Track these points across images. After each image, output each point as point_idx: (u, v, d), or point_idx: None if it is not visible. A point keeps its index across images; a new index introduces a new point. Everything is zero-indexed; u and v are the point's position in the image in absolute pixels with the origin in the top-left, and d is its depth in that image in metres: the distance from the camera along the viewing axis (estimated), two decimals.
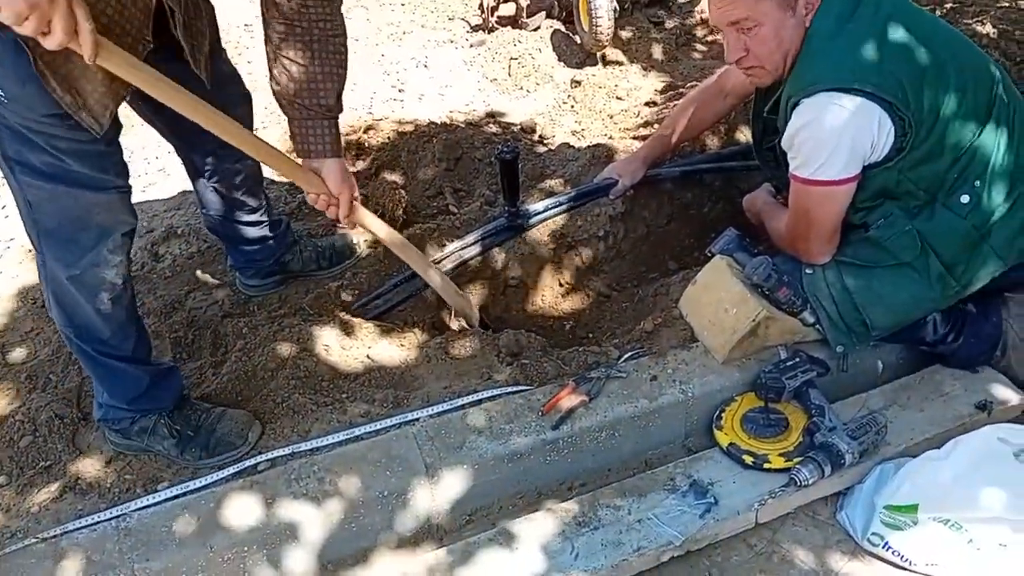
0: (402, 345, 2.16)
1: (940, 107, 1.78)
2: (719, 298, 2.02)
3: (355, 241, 2.50)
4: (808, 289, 1.96)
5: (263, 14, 1.75)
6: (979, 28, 3.48)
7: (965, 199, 1.85)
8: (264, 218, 2.26)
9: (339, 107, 1.84)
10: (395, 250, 2.13)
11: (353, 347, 2.12)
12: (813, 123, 1.75)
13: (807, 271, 1.96)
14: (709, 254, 2.11)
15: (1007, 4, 4.22)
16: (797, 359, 1.93)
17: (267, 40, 1.76)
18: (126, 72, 1.49)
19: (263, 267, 2.33)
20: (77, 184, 1.59)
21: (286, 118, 1.85)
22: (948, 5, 4.02)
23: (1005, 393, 1.98)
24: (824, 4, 1.78)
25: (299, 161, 1.87)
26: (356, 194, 1.92)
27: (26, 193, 1.61)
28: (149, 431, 1.89)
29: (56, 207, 1.62)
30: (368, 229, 2.08)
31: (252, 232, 2.24)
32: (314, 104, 1.79)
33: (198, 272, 2.49)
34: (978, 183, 1.84)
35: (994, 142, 1.85)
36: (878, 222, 1.90)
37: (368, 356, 2.10)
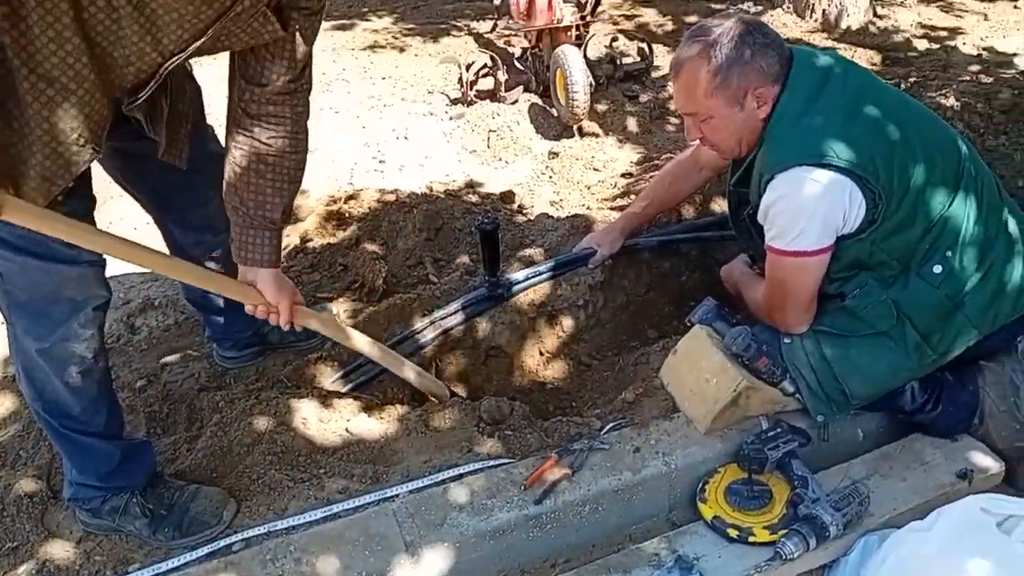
0: (381, 418, 2.13)
1: (910, 180, 1.82)
2: (700, 368, 2.02)
3: (335, 311, 2.49)
4: (787, 358, 1.97)
5: (227, 119, 1.75)
6: (943, 101, 3.60)
7: (938, 269, 1.88)
8: None
9: (284, 221, 1.83)
10: (349, 346, 2.11)
11: (331, 420, 2.09)
12: (787, 196, 1.79)
13: (786, 341, 1.98)
14: (689, 324, 2.12)
15: (968, 78, 4.39)
16: (779, 429, 1.93)
17: (226, 143, 1.76)
18: (37, 225, 1.48)
19: (240, 338, 2.31)
20: (48, 258, 1.57)
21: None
22: (912, 79, 4.17)
23: (985, 461, 1.98)
24: (791, 86, 1.83)
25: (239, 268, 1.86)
26: (298, 298, 1.90)
27: None
28: (120, 510, 1.83)
29: (27, 280, 1.60)
30: (316, 331, 2.06)
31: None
32: (258, 215, 1.77)
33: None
34: (949, 253, 1.88)
35: (964, 213, 1.90)
36: (853, 292, 1.92)
37: (347, 429, 2.07)
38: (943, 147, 1.92)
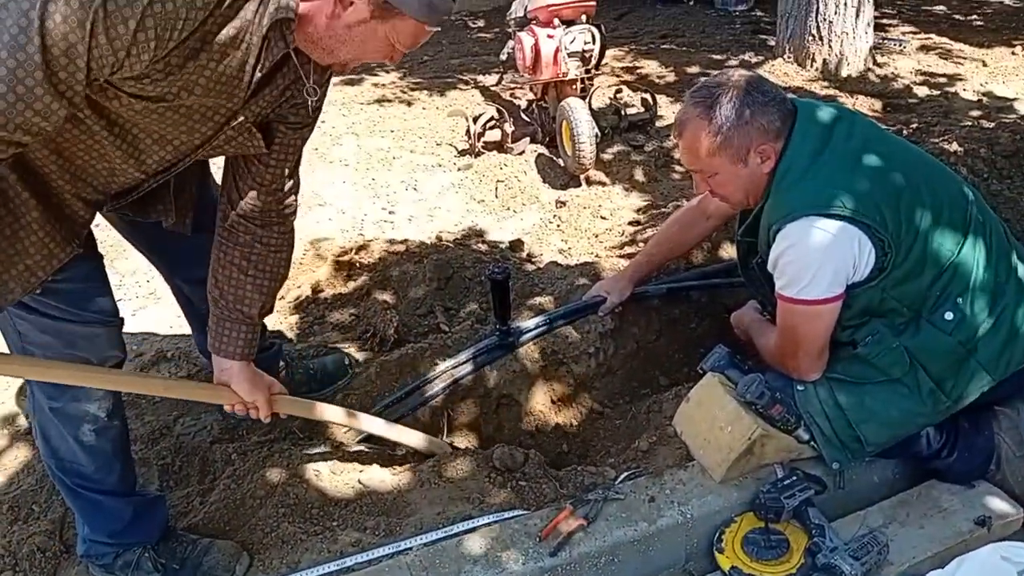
0: (394, 468, 2.12)
1: (917, 227, 1.84)
2: (714, 416, 2.02)
3: (347, 362, 2.50)
4: (801, 406, 1.97)
5: (217, 211, 1.78)
6: (945, 146, 3.64)
7: (949, 316, 1.88)
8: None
9: (262, 316, 1.84)
10: (338, 422, 2.11)
11: (344, 472, 2.08)
12: (796, 246, 1.80)
13: (799, 388, 1.98)
14: (701, 371, 2.12)
15: (969, 123, 4.45)
16: (794, 477, 1.92)
17: (216, 232, 1.79)
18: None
19: None
20: (59, 318, 1.60)
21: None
22: (914, 125, 4.22)
23: (1003, 507, 1.97)
24: (795, 139, 1.86)
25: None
26: (275, 389, 1.90)
27: (15, 323, 1.62)
28: (133, 565, 1.83)
29: (42, 339, 1.62)
30: (299, 416, 2.06)
31: None
32: (236, 309, 1.79)
33: None
34: (960, 300, 1.89)
35: (973, 259, 1.91)
36: (866, 339, 1.93)
37: (359, 481, 2.06)
38: (949, 194, 1.94)
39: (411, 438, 2.16)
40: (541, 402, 2.50)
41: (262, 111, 1.57)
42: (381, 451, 2.21)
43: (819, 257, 1.79)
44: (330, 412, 2.05)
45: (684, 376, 2.55)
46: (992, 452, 2.05)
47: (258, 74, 1.45)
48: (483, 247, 3.34)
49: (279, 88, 1.55)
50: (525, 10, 4.05)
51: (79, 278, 1.60)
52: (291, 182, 1.78)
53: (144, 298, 3.13)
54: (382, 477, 2.08)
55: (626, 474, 2.01)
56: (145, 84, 1.34)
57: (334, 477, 2.06)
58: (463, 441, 2.37)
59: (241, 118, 1.54)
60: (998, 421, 2.07)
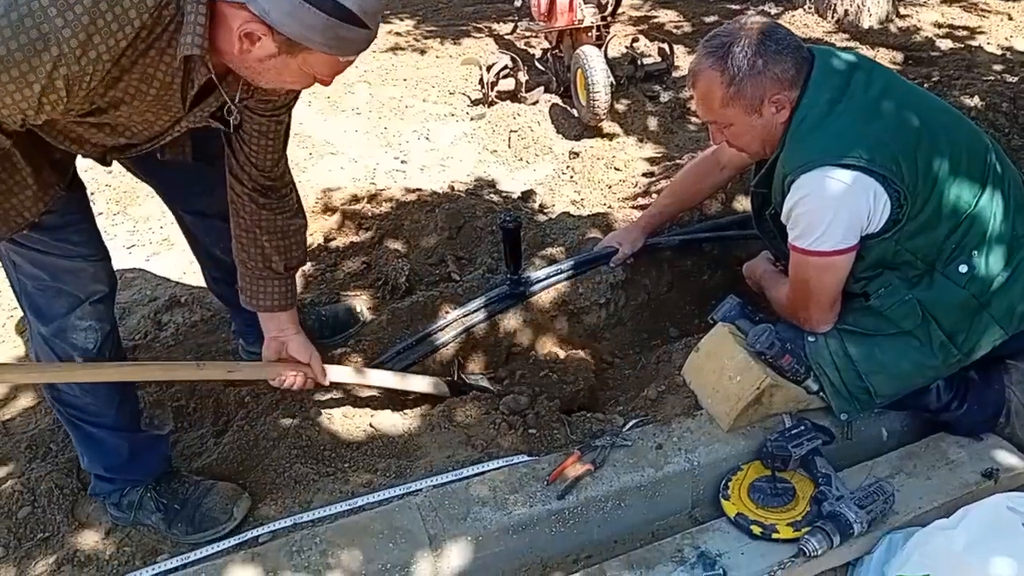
0: (405, 413, 2.15)
1: (934, 179, 1.82)
2: (723, 366, 2.02)
3: (358, 309, 2.51)
4: (811, 357, 1.97)
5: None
6: (967, 101, 3.58)
7: (963, 268, 1.87)
8: None
9: (290, 270, 1.89)
10: (368, 384, 2.15)
11: (355, 416, 2.11)
12: (810, 196, 1.78)
13: (810, 339, 1.97)
14: (711, 321, 2.12)
15: (992, 77, 4.36)
16: (802, 427, 1.93)
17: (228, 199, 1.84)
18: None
19: None
20: (45, 252, 1.64)
21: None
22: (935, 78, 4.14)
23: (1010, 460, 1.97)
24: (812, 88, 1.83)
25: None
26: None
27: (10, 255, 1.67)
28: (136, 504, 1.87)
29: (32, 271, 1.67)
30: (349, 383, 2.12)
31: None
32: (263, 267, 1.85)
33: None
34: (976, 252, 1.87)
35: (991, 212, 1.89)
36: (878, 291, 1.92)
37: (371, 424, 2.09)
38: (969, 146, 1.91)
39: (430, 385, 2.21)
40: (551, 351, 2.51)
41: (209, 113, 1.59)
42: (392, 398, 2.23)
43: (833, 207, 1.77)
44: (380, 377, 2.12)
45: (695, 327, 2.55)
46: (1002, 405, 2.05)
47: (191, 92, 1.48)
48: (495, 197, 3.33)
49: (228, 92, 1.56)
50: None
51: (61, 213, 1.63)
52: (280, 163, 1.80)
53: (158, 244, 3.15)
54: (393, 421, 2.11)
55: (634, 422, 2.02)
56: (71, 114, 1.39)
57: (346, 420, 2.09)
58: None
59: (185, 123, 1.57)
60: (1008, 374, 2.06)
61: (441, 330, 2.37)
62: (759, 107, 1.83)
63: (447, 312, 2.41)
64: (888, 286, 1.91)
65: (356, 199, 3.25)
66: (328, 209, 3.23)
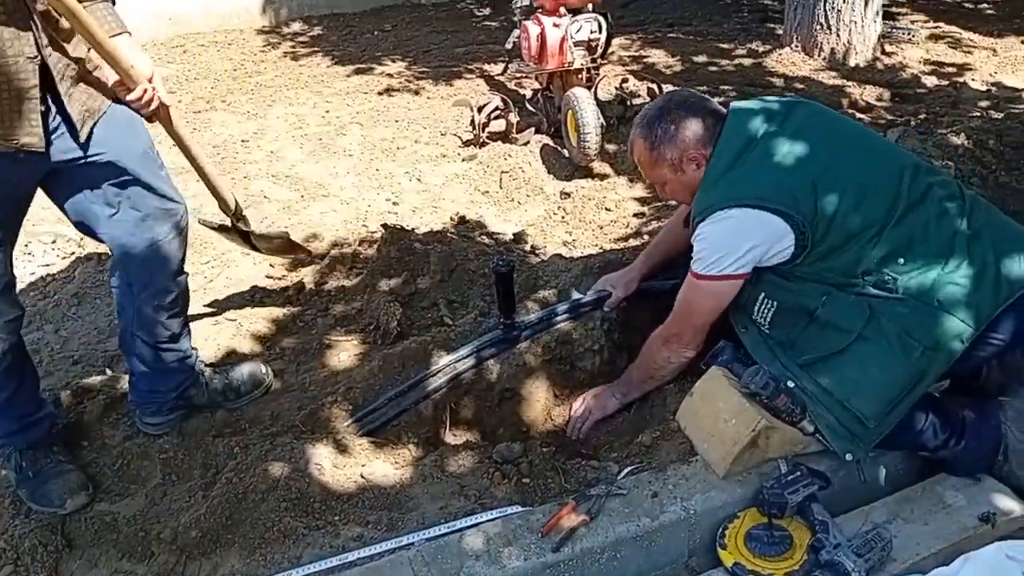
0: (396, 463, 2.12)
1: (836, 209, 1.95)
2: (717, 409, 2.01)
3: (263, 371, 2.44)
4: (796, 396, 1.96)
5: None
6: (953, 139, 3.61)
7: (889, 277, 1.95)
8: (183, 347, 2.27)
9: None
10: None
11: (346, 466, 2.08)
12: (708, 231, 2.00)
13: (789, 385, 1.97)
14: (705, 367, 2.11)
15: (978, 114, 4.41)
16: (798, 472, 1.91)
17: None
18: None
19: (165, 401, 2.25)
20: None
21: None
22: (922, 116, 4.19)
23: (1008, 504, 1.95)
24: (722, 143, 2.05)
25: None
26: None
27: None
28: (6, 457, 2.11)
29: None
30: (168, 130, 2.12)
31: (149, 363, 2.21)
32: None
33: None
34: (901, 260, 1.95)
35: (911, 228, 1.96)
36: (821, 300, 2.00)
37: (361, 475, 2.06)
38: (878, 172, 2.04)
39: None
40: (544, 396, 2.49)
41: None
42: (384, 443, 2.20)
43: (729, 240, 1.97)
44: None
45: (688, 371, 2.53)
46: (999, 441, 2.04)
47: None
48: (487, 239, 3.33)
49: None
50: None
51: None
52: None
53: None
54: (384, 471, 2.08)
55: (629, 469, 2.00)
56: None
57: (336, 471, 2.06)
58: (466, 436, 2.36)
59: None
60: (1004, 411, 2.06)
61: (433, 375, 2.35)
62: (680, 165, 2.11)
63: (439, 357, 2.40)
64: (828, 294, 1.99)
65: (348, 242, 3.25)
66: (319, 252, 3.23)
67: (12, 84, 1.68)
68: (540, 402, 2.50)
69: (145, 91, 1.90)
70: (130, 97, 1.89)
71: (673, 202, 2.43)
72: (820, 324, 1.99)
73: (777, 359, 2.03)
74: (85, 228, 2.03)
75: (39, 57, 1.71)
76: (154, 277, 2.08)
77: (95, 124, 1.89)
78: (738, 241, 1.97)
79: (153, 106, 1.95)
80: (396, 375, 2.38)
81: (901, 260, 1.94)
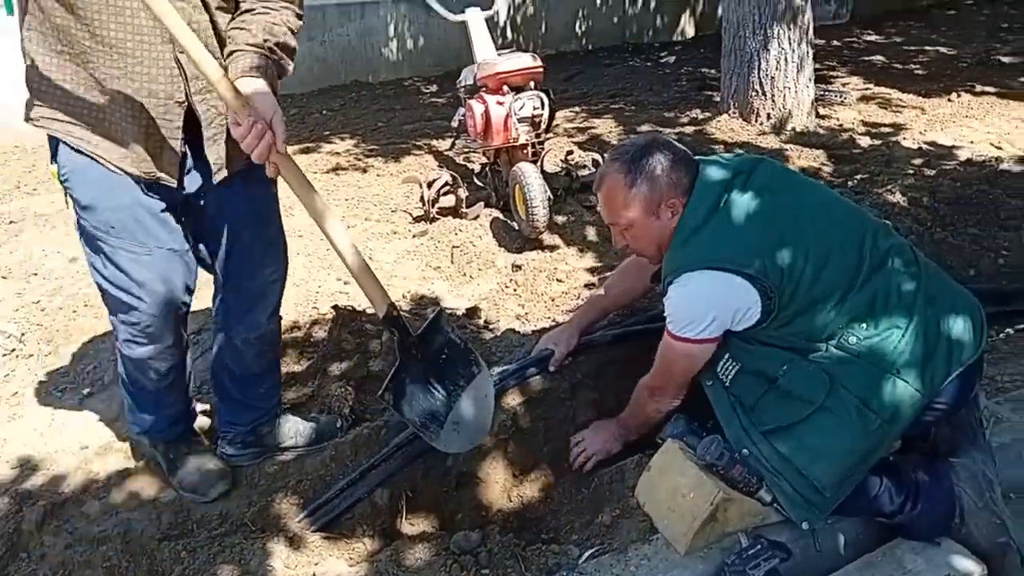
0: (351, 559, 2.05)
1: (801, 272, 1.94)
2: (675, 483, 2.00)
3: (338, 424, 2.53)
4: (752, 466, 1.96)
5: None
6: (889, 198, 3.73)
7: (853, 339, 1.95)
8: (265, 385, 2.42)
9: (264, 45, 1.86)
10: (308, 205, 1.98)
11: (298, 565, 2.01)
12: (679, 294, 1.99)
13: (743, 452, 1.97)
14: (660, 440, 2.11)
15: (912, 171, 4.56)
16: (759, 546, 1.89)
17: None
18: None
19: (238, 434, 2.40)
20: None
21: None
22: (859, 177, 4.32)
23: (967, 565, 1.95)
24: (693, 200, 2.02)
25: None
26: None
27: None
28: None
29: None
30: (291, 181, 1.92)
31: (232, 392, 2.39)
32: (241, 42, 1.85)
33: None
34: (864, 325, 1.95)
35: (874, 290, 1.97)
36: (783, 368, 1.99)
37: (314, 574, 1.99)
38: (841, 235, 2.04)
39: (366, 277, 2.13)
40: (503, 477, 2.45)
41: None
42: (338, 538, 2.14)
43: (699, 304, 1.97)
44: (324, 211, 1.95)
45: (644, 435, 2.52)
46: (954, 504, 2.04)
47: None
48: None
49: None
50: (474, 78, 4.09)
51: None
52: None
53: (91, 384, 3.05)
54: (338, 570, 2.01)
55: (590, 552, 1.97)
56: None
57: (288, 571, 1.99)
58: (423, 524, 2.31)
59: None
60: (956, 473, 2.07)
61: (386, 461, 2.30)
62: (656, 209, 2.03)
63: (391, 441, 2.35)
64: (791, 361, 1.99)
65: (298, 325, 3.21)
66: None
67: (159, 123, 1.86)
68: (499, 483, 2.46)
69: (252, 127, 1.74)
70: (236, 133, 1.80)
71: (618, 248, 2.29)
72: (781, 392, 1.99)
73: (737, 417, 2.03)
74: (200, 257, 2.19)
75: (187, 102, 1.88)
76: (251, 314, 2.26)
77: (232, 172, 2.00)
78: (707, 305, 1.97)
79: (259, 148, 1.77)
80: (349, 464, 2.33)
81: (863, 325, 1.95)
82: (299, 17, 2.01)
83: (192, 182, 2.02)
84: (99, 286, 2.09)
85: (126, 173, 1.91)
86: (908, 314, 1.97)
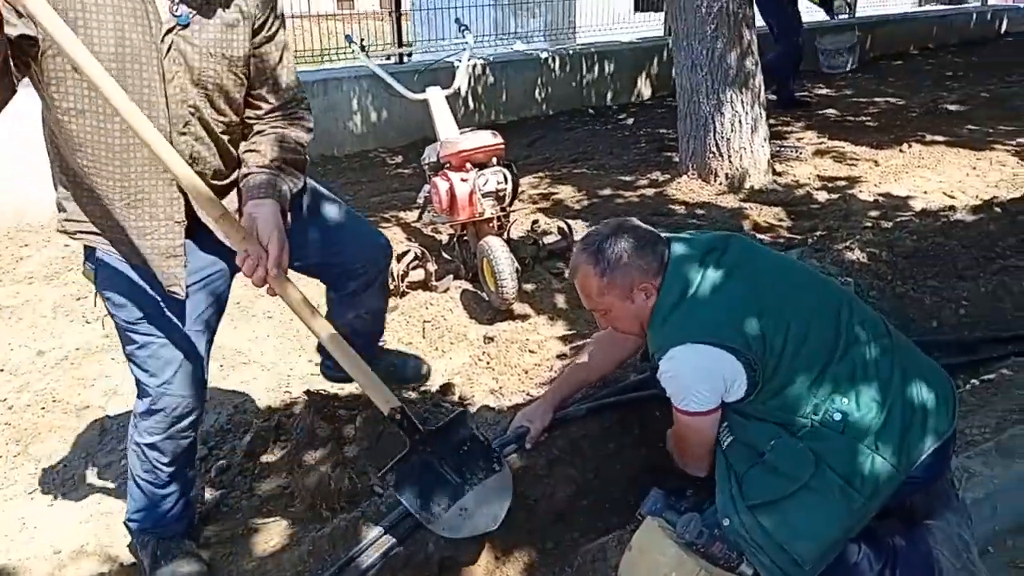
0: None
1: (782, 346, 1.98)
2: (656, 563, 1.99)
3: (424, 370, 2.85)
4: (733, 541, 1.96)
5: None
6: (848, 255, 3.81)
7: (837, 416, 1.98)
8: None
9: (272, 165, 1.99)
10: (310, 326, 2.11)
11: None
12: (670, 371, 2.03)
13: (724, 523, 1.98)
14: (639, 517, 2.10)
15: (869, 224, 4.68)
16: None
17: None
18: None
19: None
20: None
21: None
22: (818, 233, 4.42)
23: None
24: (667, 280, 2.07)
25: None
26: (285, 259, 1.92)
27: None
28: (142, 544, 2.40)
29: None
30: (288, 302, 2.01)
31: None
32: (255, 165, 1.99)
33: None
34: (845, 400, 1.98)
35: (853, 363, 2.01)
36: (770, 444, 2.02)
37: None
38: (817, 307, 2.09)
39: (368, 381, 2.20)
40: (484, 559, 2.42)
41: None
42: None
43: (691, 379, 2.01)
44: (318, 323, 2.09)
45: (626, 504, 2.51)
46: (932, 567, 2.05)
47: None
48: (413, 394, 3.30)
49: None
50: (438, 155, 4.16)
51: None
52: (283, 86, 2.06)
53: (61, 485, 2.98)
54: None
55: None
56: None
57: None
58: None
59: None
60: (933, 535, 2.09)
61: (364, 552, 2.26)
62: (630, 294, 2.09)
63: (370, 531, 2.32)
64: (778, 438, 2.02)
65: (271, 411, 3.18)
66: (242, 424, 3.14)
67: (161, 243, 1.91)
68: (481, 566, 2.42)
69: (246, 257, 1.84)
70: (238, 263, 1.88)
71: (602, 330, 2.40)
72: (768, 467, 2.00)
73: (730, 485, 2.04)
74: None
75: (185, 221, 1.93)
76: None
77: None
78: (698, 377, 2.00)
79: (255, 277, 1.86)
80: (327, 557, 2.28)
81: (844, 400, 1.98)
82: (309, 131, 2.13)
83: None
84: (132, 372, 2.16)
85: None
86: (886, 388, 2.01)
